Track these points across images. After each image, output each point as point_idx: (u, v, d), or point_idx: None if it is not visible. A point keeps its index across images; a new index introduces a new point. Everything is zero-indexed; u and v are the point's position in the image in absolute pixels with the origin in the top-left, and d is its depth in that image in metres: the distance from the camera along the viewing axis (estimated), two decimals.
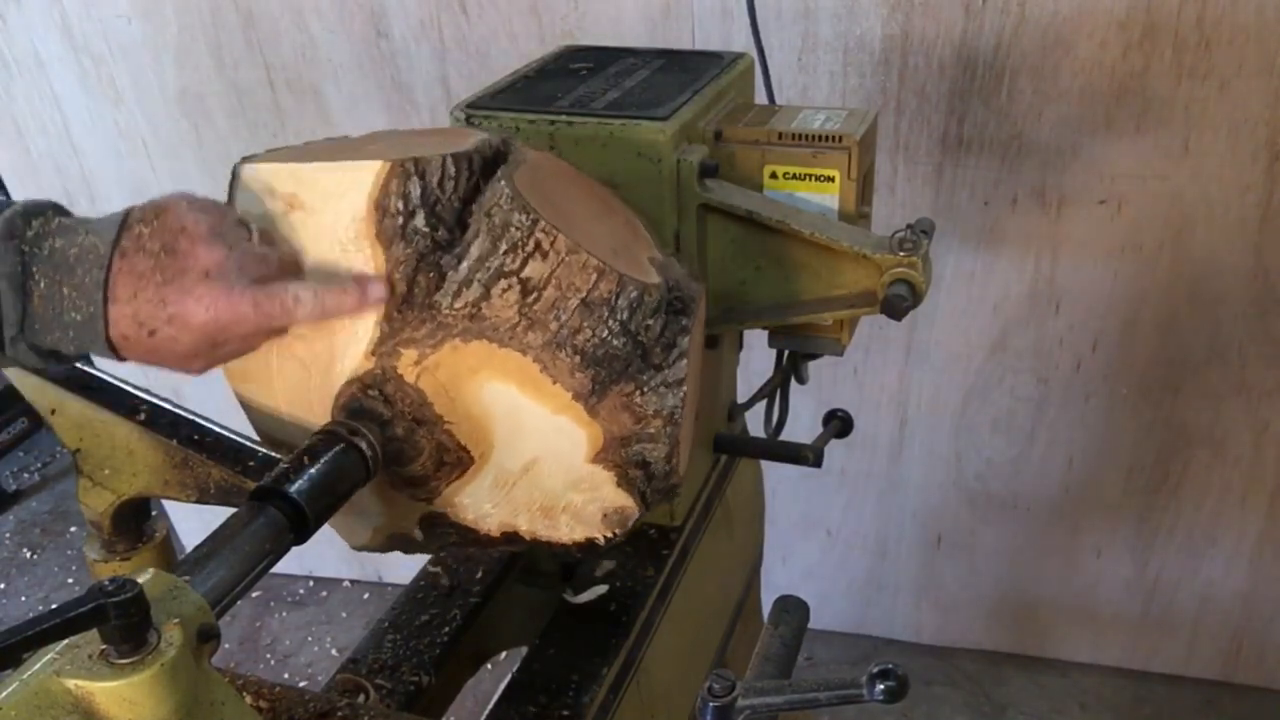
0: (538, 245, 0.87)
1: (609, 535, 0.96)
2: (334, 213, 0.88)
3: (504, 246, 0.88)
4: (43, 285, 0.79)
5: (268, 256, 0.86)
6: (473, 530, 0.99)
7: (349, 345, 0.91)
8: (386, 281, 0.88)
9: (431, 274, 0.88)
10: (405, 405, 0.91)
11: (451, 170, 0.88)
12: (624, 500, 0.94)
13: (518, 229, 0.88)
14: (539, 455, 0.93)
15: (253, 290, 0.82)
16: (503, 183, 0.89)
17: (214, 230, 0.82)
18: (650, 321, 0.91)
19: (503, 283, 0.88)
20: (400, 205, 0.87)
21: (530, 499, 0.96)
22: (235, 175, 0.91)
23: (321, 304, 0.86)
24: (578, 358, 0.89)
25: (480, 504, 0.97)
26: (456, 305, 0.89)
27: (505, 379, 0.90)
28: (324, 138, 1.01)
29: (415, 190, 0.87)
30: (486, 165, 0.92)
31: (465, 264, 0.88)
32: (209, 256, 0.80)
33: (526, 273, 0.87)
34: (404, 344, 0.90)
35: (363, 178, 0.87)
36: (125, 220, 0.82)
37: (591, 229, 0.93)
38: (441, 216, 0.88)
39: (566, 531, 0.97)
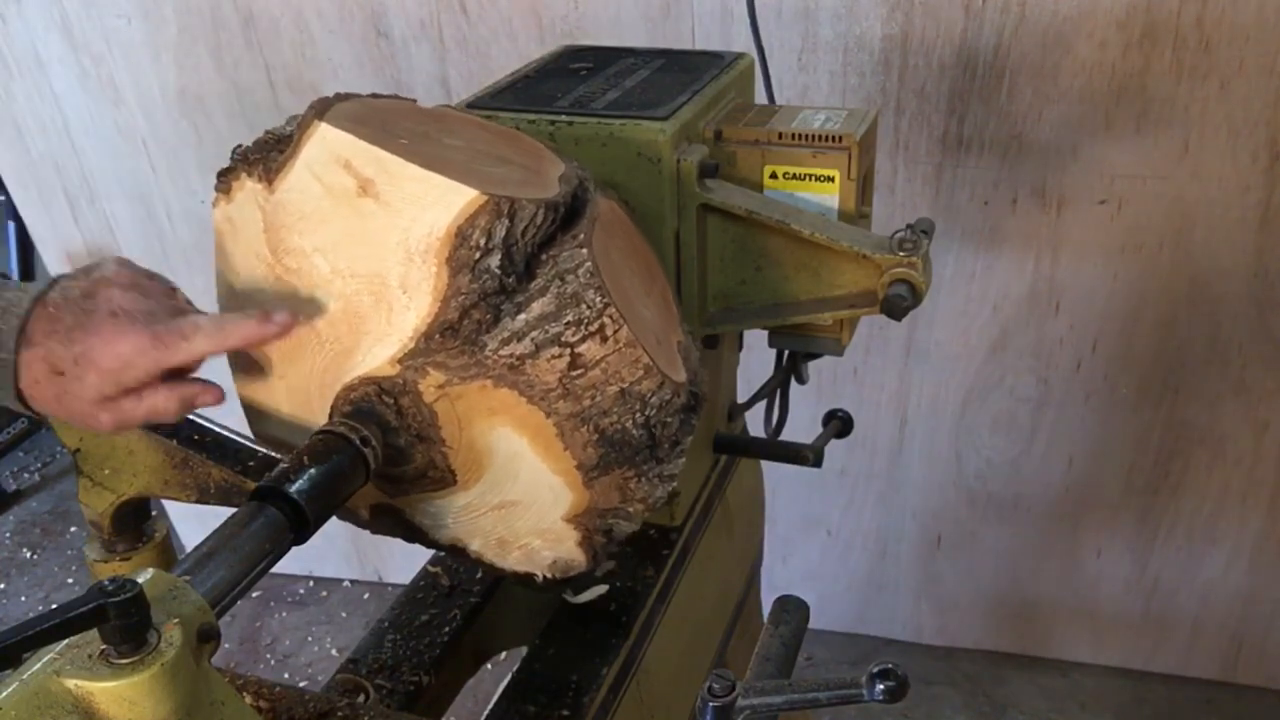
0: (601, 329, 0.87)
1: (549, 577, 1.00)
2: (411, 219, 0.86)
3: (569, 317, 0.87)
4: None
5: (182, 309, 0.87)
6: (422, 534, 1.00)
7: (376, 344, 0.90)
8: (286, 314, 0.87)
9: (487, 314, 0.87)
10: (414, 420, 0.91)
11: (539, 219, 0.87)
12: (578, 556, 0.97)
13: (589, 307, 0.87)
14: (520, 500, 0.95)
15: (153, 325, 0.83)
16: (585, 251, 0.88)
17: (133, 281, 0.85)
18: (670, 419, 0.92)
19: (555, 349, 0.87)
20: (482, 241, 0.85)
21: (492, 530, 0.98)
22: (307, 122, 0.88)
23: (220, 330, 0.85)
24: (596, 436, 0.90)
25: (442, 517, 0.99)
26: (502, 352, 0.88)
27: (520, 430, 0.91)
28: (394, 96, 0.98)
29: (500, 231, 0.85)
30: (567, 214, 0.91)
31: (523, 317, 0.87)
32: (121, 299, 0.83)
33: (582, 349, 0.87)
34: (435, 365, 0.89)
35: (453, 200, 0.85)
36: (57, 279, 0.85)
37: (642, 311, 0.94)
38: (514, 261, 0.86)
39: (512, 563, 1.00)
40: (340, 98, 0.93)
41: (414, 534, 1.01)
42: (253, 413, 1.01)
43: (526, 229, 0.86)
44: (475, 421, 0.91)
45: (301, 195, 0.89)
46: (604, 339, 0.87)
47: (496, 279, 0.86)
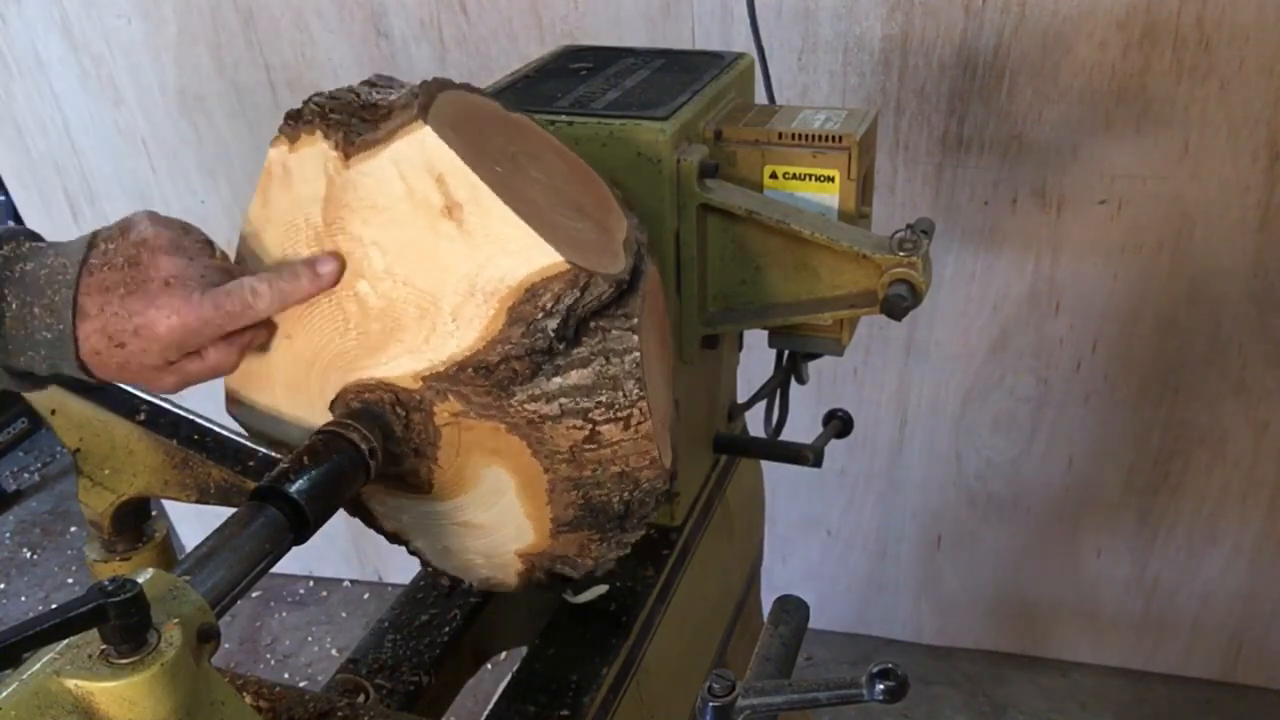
0: (628, 417, 0.88)
1: (474, 588, 1.03)
2: (487, 258, 0.84)
3: (602, 397, 0.87)
4: (14, 306, 0.81)
5: (227, 268, 0.87)
6: (371, 517, 1.02)
7: (406, 355, 0.88)
8: (337, 260, 0.88)
9: (527, 368, 0.87)
10: (419, 436, 0.92)
11: (606, 295, 0.86)
12: (511, 582, 1.00)
13: (624, 396, 0.87)
14: (484, 526, 0.97)
15: (213, 293, 0.84)
16: (635, 339, 0.87)
17: (174, 243, 0.85)
18: (649, 500, 0.94)
19: (578, 421, 0.88)
20: (549, 303, 0.83)
21: (443, 538, 1.00)
22: (408, 119, 0.83)
23: (280, 292, 0.86)
24: (582, 500, 0.92)
25: (399, 512, 1.00)
26: (527, 406, 0.88)
27: (513, 474, 0.92)
28: (480, 91, 0.94)
29: (569, 299, 0.84)
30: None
31: (558, 380, 0.87)
32: (169, 266, 0.83)
33: (603, 429, 0.88)
34: (457, 395, 0.89)
35: (536, 257, 0.83)
36: (92, 240, 0.84)
37: (660, 393, 0.94)
38: (569, 326, 0.86)
39: (447, 567, 1.02)
40: (441, 85, 0.88)
41: (360, 511, 1.02)
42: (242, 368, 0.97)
43: (592, 301, 0.85)
44: (475, 453, 0.92)
45: (379, 187, 0.86)
46: (627, 426, 0.88)
47: (548, 340, 0.85)
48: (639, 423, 0.88)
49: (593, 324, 0.87)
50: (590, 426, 0.88)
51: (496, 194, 0.82)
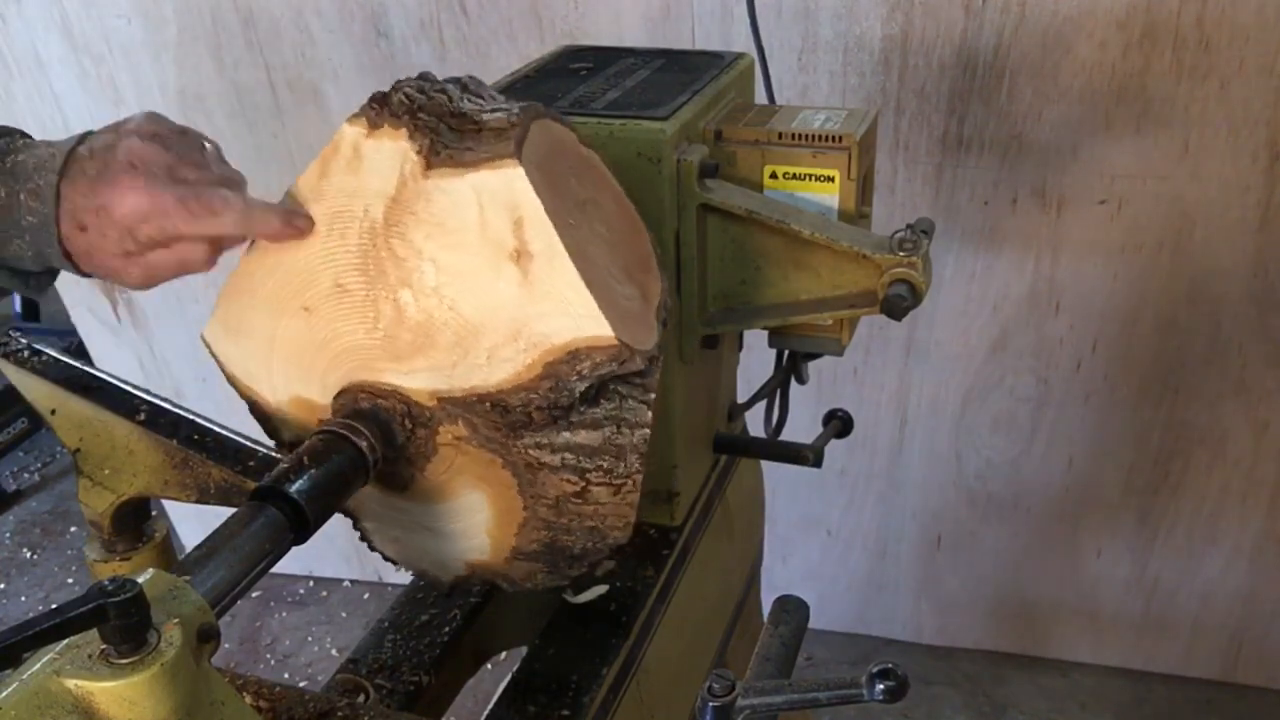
0: (621, 485, 0.90)
1: (407, 570, 1.07)
2: (541, 313, 0.83)
3: (604, 462, 0.89)
4: (2, 194, 0.82)
5: (209, 167, 0.86)
6: None
7: (428, 371, 0.88)
8: (308, 219, 0.87)
9: (542, 419, 0.87)
10: (416, 448, 0.92)
11: (636, 370, 0.86)
12: (444, 581, 1.03)
13: (625, 466, 0.89)
14: (444, 534, 0.98)
15: (180, 186, 0.82)
16: (649, 415, 0.88)
17: (155, 133, 0.83)
18: (604, 550, 0.96)
19: (574, 476, 0.89)
20: (585, 370, 0.84)
21: (397, 530, 1.01)
22: (502, 151, 0.82)
23: (249, 216, 0.84)
24: (548, 540, 0.94)
25: (368, 505, 1.01)
26: (530, 451, 0.89)
27: (493, 502, 0.94)
28: (562, 119, 0.92)
29: (604, 370, 0.84)
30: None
31: (566, 435, 0.88)
32: (140, 151, 0.82)
33: (595, 490, 0.90)
34: (465, 423, 0.89)
35: (588, 326, 0.83)
36: (88, 132, 0.85)
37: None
38: (593, 390, 0.86)
39: (388, 551, 1.05)
40: (535, 114, 0.86)
41: None
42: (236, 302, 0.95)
43: (624, 373, 0.86)
44: (464, 475, 0.93)
45: (452, 207, 0.84)
46: (617, 492, 0.90)
47: (571, 399, 0.85)
48: (629, 492, 0.90)
49: (613, 386, 0.88)
50: (584, 484, 0.89)
51: (569, 255, 0.82)
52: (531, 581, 0.99)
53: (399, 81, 0.87)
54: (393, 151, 0.85)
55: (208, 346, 0.97)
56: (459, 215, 0.84)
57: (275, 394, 0.96)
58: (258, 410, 0.99)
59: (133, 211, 0.81)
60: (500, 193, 0.82)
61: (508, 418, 0.87)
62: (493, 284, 0.84)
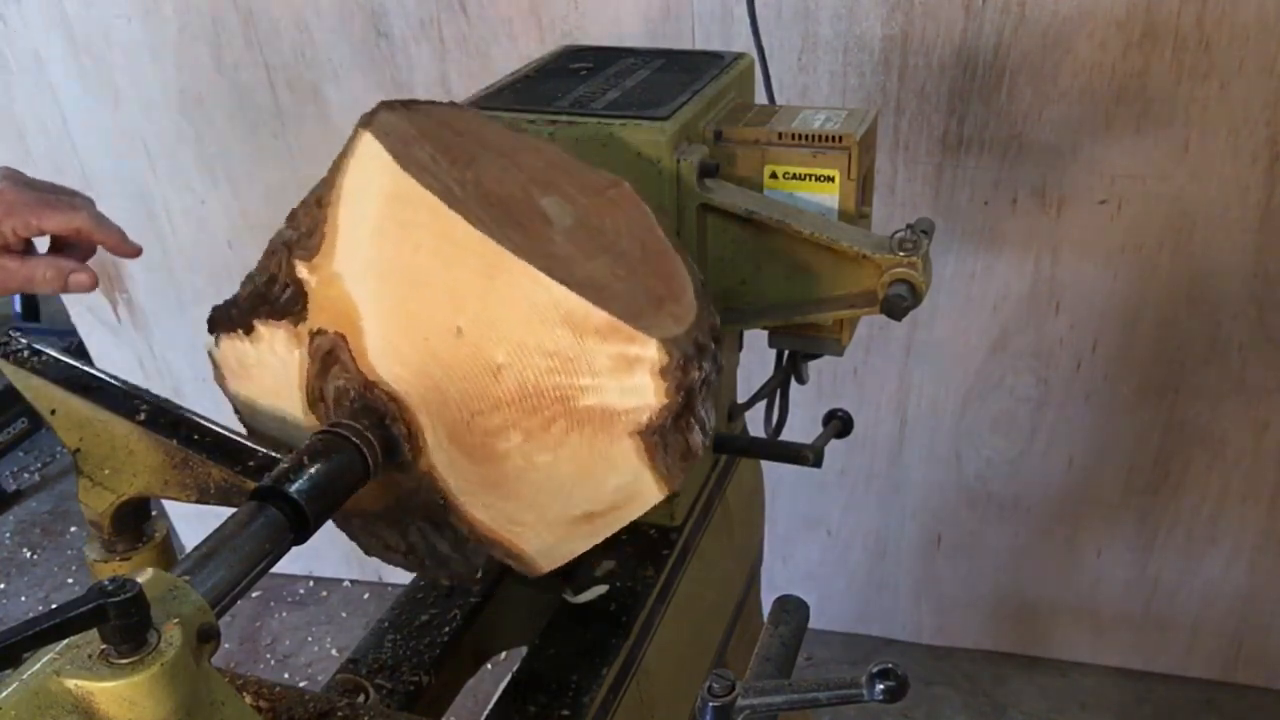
0: None
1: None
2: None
3: None
4: None
5: (63, 190, 0.98)
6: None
7: (451, 423, 0.92)
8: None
9: None
10: (412, 451, 0.94)
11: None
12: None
13: None
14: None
15: (41, 192, 0.95)
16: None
17: (9, 173, 0.95)
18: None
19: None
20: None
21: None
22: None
23: (101, 221, 0.97)
24: None
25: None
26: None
27: None
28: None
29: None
30: None
31: None
32: (6, 175, 0.93)
33: None
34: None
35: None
36: None
37: None
38: None
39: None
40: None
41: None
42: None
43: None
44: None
45: (564, 467, 0.90)
46: None
47: None
48: None
49: None
50: None
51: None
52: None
53: None
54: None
55: None
56: (569, 470, 0.91)
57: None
58: None
59: None
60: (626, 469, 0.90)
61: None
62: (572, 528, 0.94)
